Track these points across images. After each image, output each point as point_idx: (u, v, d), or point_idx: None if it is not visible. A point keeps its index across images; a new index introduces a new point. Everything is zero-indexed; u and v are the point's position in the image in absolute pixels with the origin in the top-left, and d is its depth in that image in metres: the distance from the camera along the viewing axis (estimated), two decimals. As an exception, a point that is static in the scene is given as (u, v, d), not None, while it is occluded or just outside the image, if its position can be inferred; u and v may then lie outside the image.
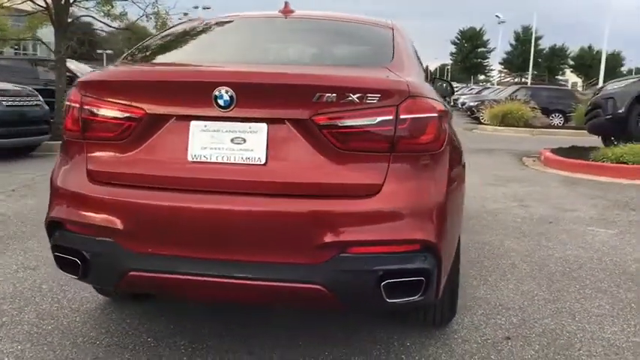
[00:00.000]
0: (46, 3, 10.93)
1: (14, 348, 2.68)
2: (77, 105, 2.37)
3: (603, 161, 8.87)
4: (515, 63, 66.75)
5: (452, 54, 77.90)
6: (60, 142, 2.59)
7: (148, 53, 2.80)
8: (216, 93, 2.15)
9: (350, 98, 2.15)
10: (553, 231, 5.09)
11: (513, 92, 23.84)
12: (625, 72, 69.61)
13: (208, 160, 2.21)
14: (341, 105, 2.15)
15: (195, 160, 2.22)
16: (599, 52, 64.14)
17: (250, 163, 2.19)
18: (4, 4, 14.49)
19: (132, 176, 2.28)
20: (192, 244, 2.21)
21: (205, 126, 2.22)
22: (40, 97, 9.69)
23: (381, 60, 2.57)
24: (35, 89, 9.98)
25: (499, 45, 62.09)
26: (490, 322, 3.07)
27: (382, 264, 2.17)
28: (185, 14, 17.25)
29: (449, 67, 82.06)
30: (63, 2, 10.83)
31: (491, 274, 3.85)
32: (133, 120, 2.27)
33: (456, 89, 14.93)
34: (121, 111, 2.28)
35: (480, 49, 74.08)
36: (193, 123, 2.23)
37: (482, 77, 76.66)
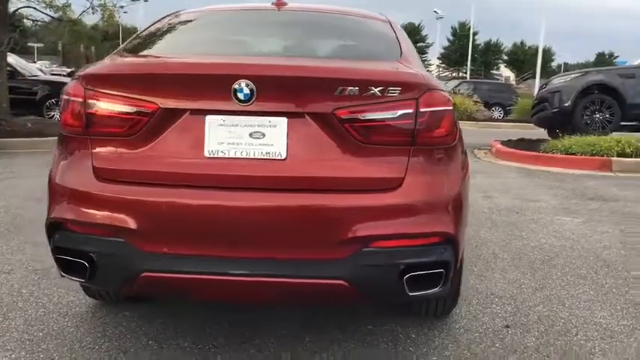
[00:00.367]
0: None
1: (8, 356, 2.53)
2: (80, 99, 2.24)
3: (553, 153, 9.21)
4: (452, 58, 68.37)
5: (391, 49, 78.85)
6: None
7: (149, 45, 2.69)
8: (236, 86, 2.09)
9: (372, 91, 2.13)
10: (522, 221, 5.24)
11: (456, 86, 24.43)
12: (555, 67, 72.53)
13: (226, 156, 2.15)
14: (363, 98, 2.14)
15: (212, 155, 2.15)
16: (531, 48, 66.56)
17: (270, 158, 2.15)
18: None
19: (144, 173, 2.19)
20: (211, 243, 2.15)
21: (223, 120, 2.16)
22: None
23: (391, 54, 2.57)
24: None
25: (437, 40, 63.57)
26: (487, 312, 3.13)
27: (405, 257, 2.18)
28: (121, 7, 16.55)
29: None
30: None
31: (475, 264, 3.92)
32: (145, 114, 2.17)
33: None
34: (132, 105, 2.18)
35: (418, 44, 75.45)
36: (209, 117, 2.16)
37: (421, 72, 77.94)
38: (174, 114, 2.17)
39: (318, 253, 2.15)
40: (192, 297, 2.68)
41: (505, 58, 74.11)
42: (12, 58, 12.43)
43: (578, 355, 2.68)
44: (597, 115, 10.10)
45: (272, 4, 3.13)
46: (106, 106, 2.21)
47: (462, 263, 2.85)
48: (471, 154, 10.62)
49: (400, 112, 2.17)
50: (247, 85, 2.09)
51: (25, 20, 13.67)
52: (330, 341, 2.73)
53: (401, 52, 2.59)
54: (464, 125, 15.49)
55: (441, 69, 66.58)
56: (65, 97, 2.32)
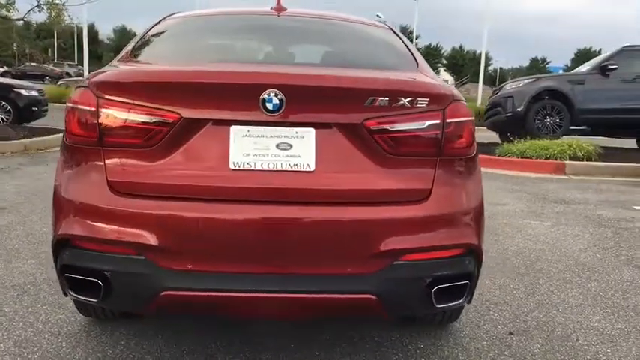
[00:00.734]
0: None
1: (5, 384, 2.36)
2: (91, 108, 2.10)
3: (509, 156, 9.46)
4: (394, 61, 69.43)
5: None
6: None
7: (157, 50, 2.56)
8: (265, 96, 2.01)
9: (402, 102, 2.10)
10: (496, 225, 5.33)
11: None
12: (491, 71, 74.86)
13: (252, 168, 2.07)
14: (392, 109, 2.10)
15: (237, 167, 2.06)
16: (469, 52, 68.40)
17: (298, 170, 2.08)
18: None
19: (165, 187, 2.07)
20: (238, 259, 2.06)
21: (248, 131, 2.07)
22: None
23: (408, 64, 2.55)
24: None
25: (379, 44, 64.17)
26: (487, 319, 3.15)
27: (434, 270, 2.16)
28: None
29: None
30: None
31: (462, 270, 3.95)
32: (165, 125, 2.06)
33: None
34: (151, 115, 2.06)
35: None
36: (234, 128, 2.07)
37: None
38: (196, 124, 2.07)
39: (349, 267, 2.09)
40: (216, 314, 2.58)
41: (444, 62, 76.02)
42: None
43: (585, 361, 2.73)
44: (548, 120, 10.45)
45: (271, 8, 3.05)
46: (122, 115, 2.08)
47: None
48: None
49: (428, 122, 2.15)
50: (277, 95, 2.02)
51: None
52: (341, 354, 2.68)
53: (417, 62, 2.57)
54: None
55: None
56: (72, 105, 2.17)
